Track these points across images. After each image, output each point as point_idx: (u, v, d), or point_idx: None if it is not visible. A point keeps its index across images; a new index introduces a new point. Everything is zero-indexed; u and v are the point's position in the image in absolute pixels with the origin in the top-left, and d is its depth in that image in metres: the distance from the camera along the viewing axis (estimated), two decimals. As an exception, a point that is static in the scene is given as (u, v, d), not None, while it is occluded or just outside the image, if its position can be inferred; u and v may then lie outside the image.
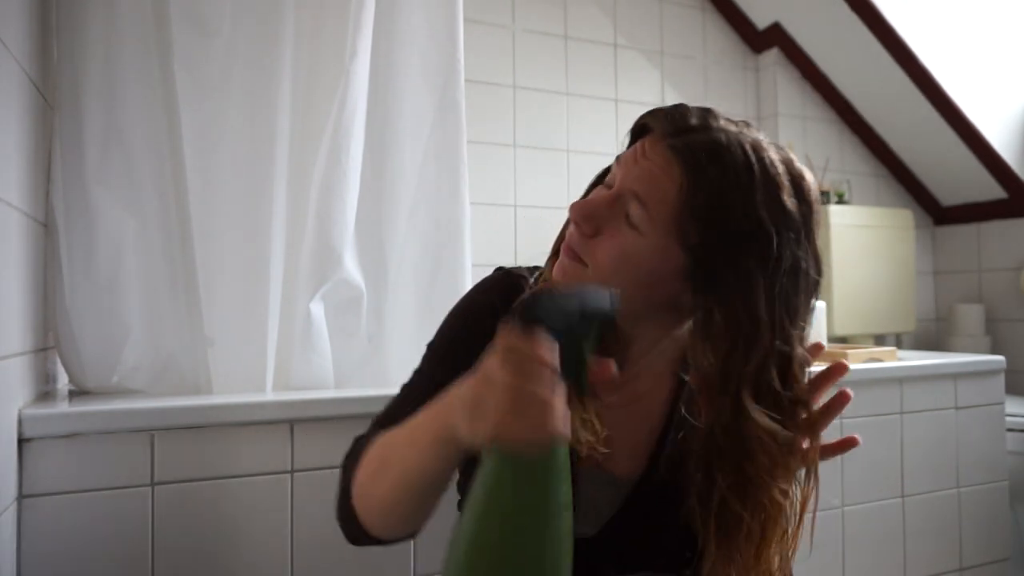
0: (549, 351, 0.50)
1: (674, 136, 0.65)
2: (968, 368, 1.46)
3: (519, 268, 0.80)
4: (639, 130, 0.71)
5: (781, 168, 0.65)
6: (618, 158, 0.70)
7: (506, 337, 0.51)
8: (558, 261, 0.70)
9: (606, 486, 0.75)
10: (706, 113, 0.67)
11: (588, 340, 0.55)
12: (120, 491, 0.87)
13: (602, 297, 0.56)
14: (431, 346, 0.80)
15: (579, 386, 0.54)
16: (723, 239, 0.63)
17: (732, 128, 0.66)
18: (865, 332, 2.49)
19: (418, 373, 0.79)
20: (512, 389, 0.48)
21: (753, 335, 0.62)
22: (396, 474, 0.64)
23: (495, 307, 0.75)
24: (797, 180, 0.66)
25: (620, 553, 0.74)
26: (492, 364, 0.51)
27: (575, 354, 0.53)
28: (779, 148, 0.67)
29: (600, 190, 0.69)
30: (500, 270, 0.80)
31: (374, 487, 0.67)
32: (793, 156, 0.68)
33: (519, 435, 0.48)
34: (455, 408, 0.55)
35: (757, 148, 0.64)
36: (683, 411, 0.74)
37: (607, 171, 0.72)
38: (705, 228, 0.63)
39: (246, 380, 1.07)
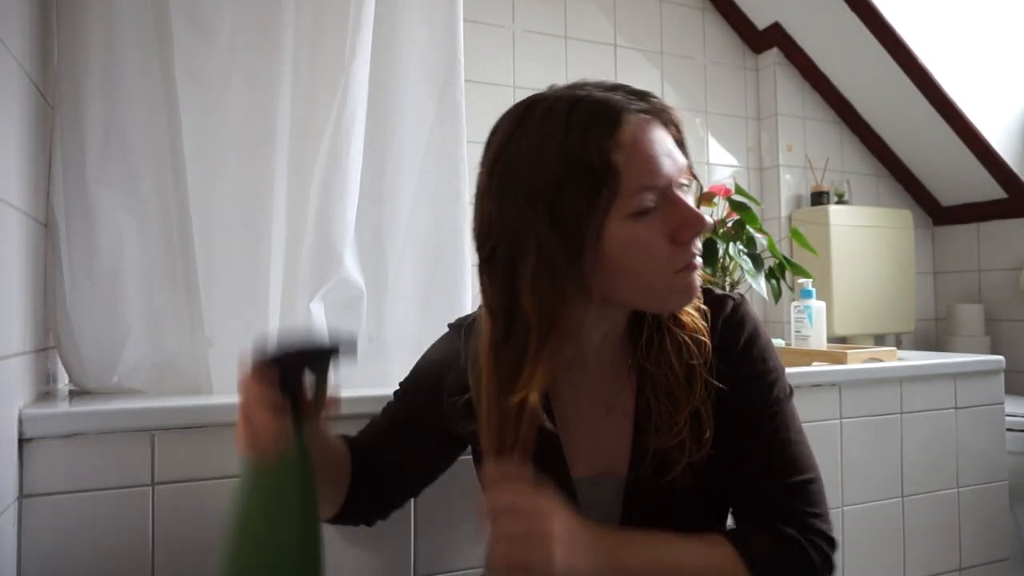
0: (266, 381, 0.65)
1: (650, 111, 0.69)
2: (968, 368, 1.46)
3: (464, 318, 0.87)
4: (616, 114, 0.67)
5: None
6: (651, 167, 0.66)
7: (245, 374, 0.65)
8: (695, 274, 0.70)
9: (605, 491, 0.76)
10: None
11: (314, 371, 0.69)
12: (120, 491, 0.87)
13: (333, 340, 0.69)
14: (400, 386, 0.90)
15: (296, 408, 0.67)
16: None
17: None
18: (865, 332, 2.50)
19: (386, 407, 0.90)
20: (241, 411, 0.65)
21: None
22: None
23: (443, 363, 0.84)
24: None
25: None
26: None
27: (293, 382, 0.67)
28: None
29: (676, 199, 0.68)
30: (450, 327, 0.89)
31: None
32: None
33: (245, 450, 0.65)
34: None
35: None
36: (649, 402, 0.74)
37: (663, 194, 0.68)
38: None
39: (246, 380, 1.07)
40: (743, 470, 0.74)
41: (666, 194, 0.67)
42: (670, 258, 0.68)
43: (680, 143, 0.71)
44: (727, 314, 0.76)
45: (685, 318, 0.75)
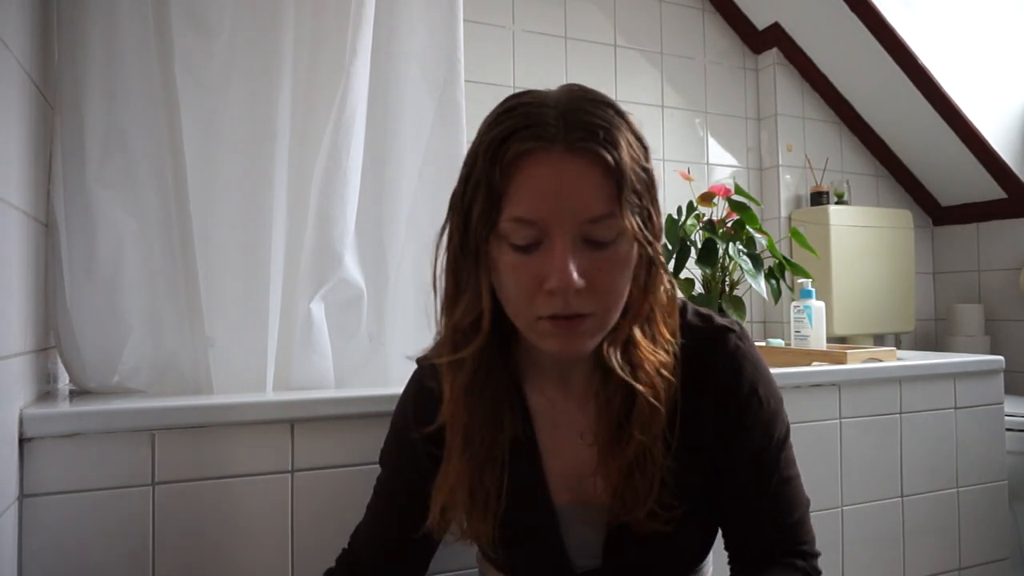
0: None
1: (567, 140, 0.62)
2: (967, 368, 1.46)
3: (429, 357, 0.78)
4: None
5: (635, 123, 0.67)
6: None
7: None
8: (562, 333, 0.64)
9: (587, 520, 0.74)
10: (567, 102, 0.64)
11: None
12: (120, 491, 0.87)
13: None
14: (381, 459, 0.86)
15: None
16: (645, 192, 0.65)
17: (602, 111, 0.64)
18: (865, 332, 2.50)
19: (376, 491, 0.86)
20: None
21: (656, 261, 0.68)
22: None
23: (410, 415, 0.80)
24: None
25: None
26: None
27: None
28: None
29: (554, 244, 0.62)
30: (417, 370, 0.84)
31: None
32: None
33: None
34: None
35: (623, 114, 0.66)
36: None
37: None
38: (636, 195, 0.64)
39: (246, 380, 1.07)
40: (746, 512, 0.74)
41: (550, 234, 0.61)
42: (532, 301, 0.63)
43: (617, 192, 0.62)
44: (727, 353, 0.72)
45: (646, 349, 0.68)
